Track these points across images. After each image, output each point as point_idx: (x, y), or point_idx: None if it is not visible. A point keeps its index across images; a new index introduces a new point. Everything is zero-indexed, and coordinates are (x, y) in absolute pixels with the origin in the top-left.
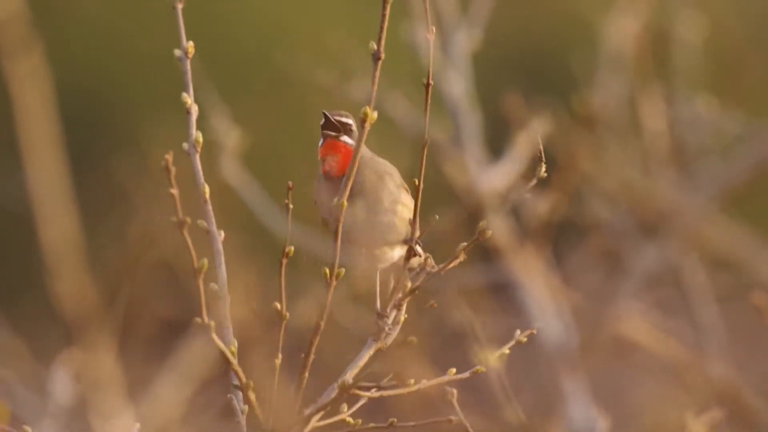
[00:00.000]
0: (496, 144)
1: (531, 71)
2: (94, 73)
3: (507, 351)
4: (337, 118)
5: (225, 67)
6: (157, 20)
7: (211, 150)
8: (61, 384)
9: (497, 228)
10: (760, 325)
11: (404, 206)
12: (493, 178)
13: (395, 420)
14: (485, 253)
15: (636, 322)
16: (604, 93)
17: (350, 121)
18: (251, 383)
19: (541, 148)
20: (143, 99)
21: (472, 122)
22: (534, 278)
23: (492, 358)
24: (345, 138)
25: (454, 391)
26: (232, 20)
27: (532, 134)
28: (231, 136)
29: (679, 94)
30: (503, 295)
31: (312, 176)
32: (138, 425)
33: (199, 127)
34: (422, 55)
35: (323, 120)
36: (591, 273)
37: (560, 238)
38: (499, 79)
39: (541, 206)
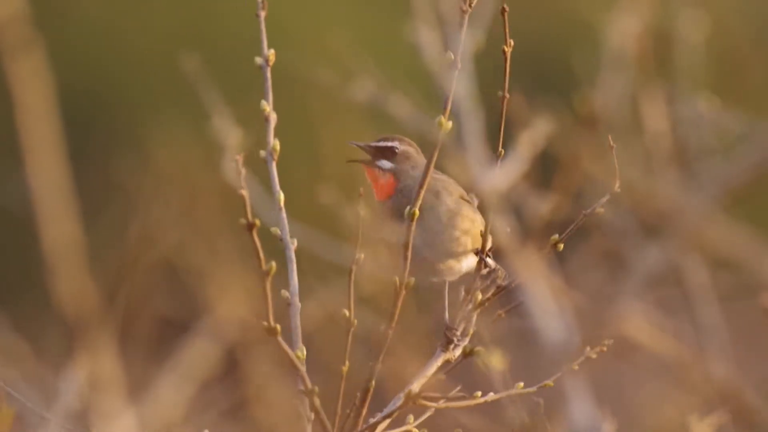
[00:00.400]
0: (498, 144)
1: (533, 71)
2: (94, 74)
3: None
4: (374, 144)
5: (225, 67)
6: (158, 20)
7: (211, 150)
8: (68, 385)
9: (498, 228)
10: (762, 325)
11: (464, 218)
12: (495, 178)
13: (461, 431)
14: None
15: (638, 322)
16: (606, 93)
17: (392, 144)
18: (316, 389)
19: (542, 148)
20: (144, 99)
21: (473, 122)
22: (536, 278)
23: (494, 360)
24: (381, 162)
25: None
26: (232, 19)
27: (535, 134)
28: (233, 137)
29: (681, 93)
30: (504, 296)
31: (312, 175)
32: (139, 426)
33: (200, 128)
34: (425, 54)
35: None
36: (593, 273)
37: (562, 239)
38: (501, 79)
39: (543, 206)
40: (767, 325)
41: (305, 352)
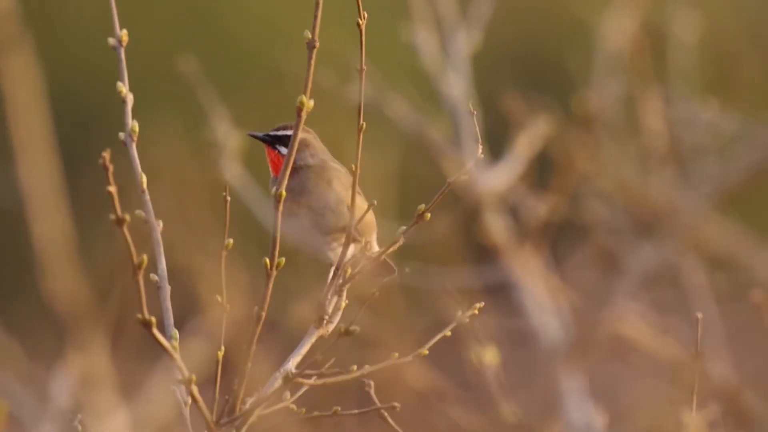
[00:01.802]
0: (495, 144)
1: (529, 72)
2: (87, 72)
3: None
4: (272, 133)
5: (223, 67)
6: (152, 19)
7: (210, 150)
8: (60, 385)
9: (496, 228)
10: (757, 324)
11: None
12: (492, 179)
13: (339, 408)
14: (484, 253)
15: (634, 322)
16: (602, 93)
17: (287, 133)
18: (194, 377)
19: (538, 148)
20: (137, 98)
21: (471, 123)
22: (532, 278)
23: (489, 357)
24: (280, 148)
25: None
26: (229, 19)
27: (532, 134)
28: (229, 136)
29: (677, 93)
30: (501, 295)
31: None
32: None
33: (198, 128)
34: (422, 55)
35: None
36: (589, 272)
37: (558, 238)
38: (498, 79)
39: (539, 206)
40: (762, 323)
41: (179, 338)
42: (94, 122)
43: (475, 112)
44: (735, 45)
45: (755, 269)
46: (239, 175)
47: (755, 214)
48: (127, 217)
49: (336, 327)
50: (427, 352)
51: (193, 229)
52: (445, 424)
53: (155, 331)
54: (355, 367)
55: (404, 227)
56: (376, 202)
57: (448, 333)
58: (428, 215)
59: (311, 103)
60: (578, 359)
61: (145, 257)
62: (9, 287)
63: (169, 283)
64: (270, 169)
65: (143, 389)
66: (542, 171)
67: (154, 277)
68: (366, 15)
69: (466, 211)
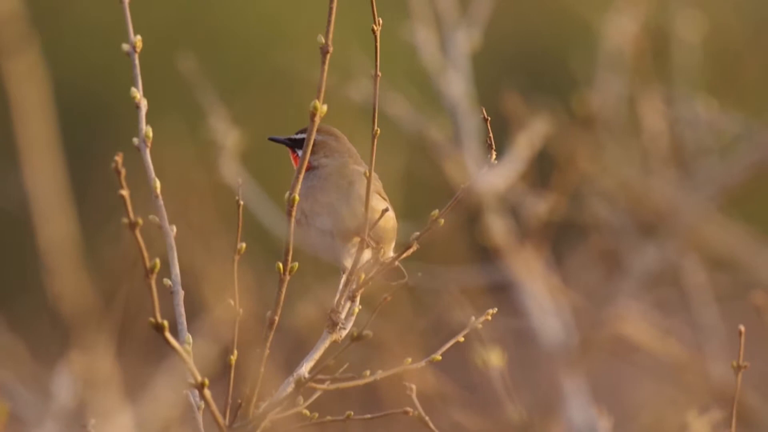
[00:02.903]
0: (496, 144)
1: (530, 71)
2: (93, 73)
3: (439, 354)
4: (292, 137)
5: (223, 67)
6: (157, 19)
7: (210, 150)
8: (64, 385)
9: (497, 228)
10: (759, 324)
11: (374, 209)
12: (492, 178)
13: (352, 413)
14: (485, 253)
15: (635, 322)
16: (603, 93)
17: (305, 135)
18: (206, 381)
19: (539, 147)
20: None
21: (471, 122)
22: (533, 278)
23: (492, 358)
24: (299, 151)
25: (413, 386)
26: (230, 19)
27: (532, 134)
28: (230, 136)
29: (678, 93)
30: (503, 295)
31: None
32: (135, 426)
33: (197, 127)
34: (422, 54)
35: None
36: (590, 273)
37: (560, 238)
38: (499, 79)
39: (540, 206)
40: (764, 324)
41: (192, 342)
42: (98, 124)
43: (488, 119)
44: (737, 45)
45: (757, 269)
46: (240, 174)
47: (757, 214)
48: (140, 220)
49: (349, 331)
50: (440, 357)
51: (196, 231)
52: (449, 425)
53: (168, 334)
54: (368, 372)
55: (417, 233)
56: (390, 209)
57: (461, 339)
58: (442, 221)
59: (324, 107)
60: (580, 359)
61: (158, 261)
62: (14, 288)
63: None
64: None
65: (148, 390)
66: (543, 170)
67: (167, 281)
68: (381, 21)
69: (467, 211)
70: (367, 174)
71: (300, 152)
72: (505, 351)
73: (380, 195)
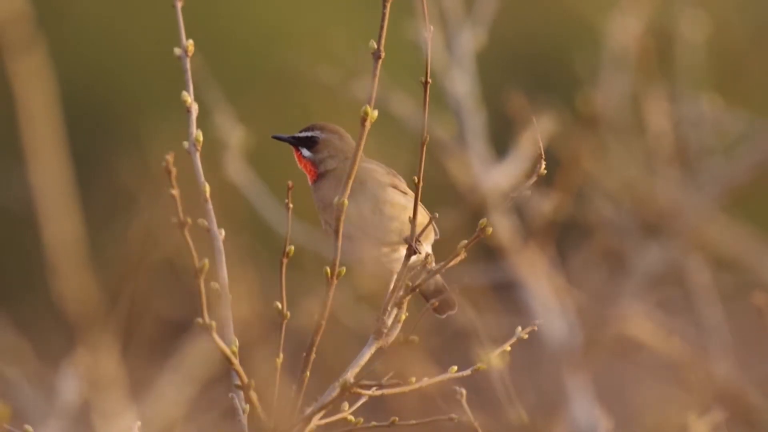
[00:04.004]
0: (500, 143)
1: (534, 70)
2: (96, 73)
3: (509, 348)
4: (296, 135)
5: (227, 66)
6: (159, 20)
7: (214, 149)
8: (68, 384)
9: (501, 227)
10: (763, 324)
11: (394, 205)
12: (497, 177)
13: (397, 419)
14: (489, 253)
15: (639, 322)
16: (608, 92)
17: (309, 134)
18: (252, 383)
19: (543, 147)
20: (146, 99)
21: (476, 121)
22: (537, 277)
23: (495, 358)
24: (302, 150)
25: (463, 390)
26: (234, 19)
27: (537, 133)
28: (234, 135)
29: (682, 93)
30: (507, 295)
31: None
32: (140, 425)
33: (202, 126)
34: (426, 53)
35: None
36: (594, 272)
37: (563, 238)
38: (503, 78)
39: (544, 205)
40: (767, 324)
41: (238, 345)
42: (100, 123)
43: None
44: (740, 45)
45: (761, 269)
46: (244, 172)
47: (761, 214)
48: (189, 220)
49: (396, 337)
50: (485, 366)
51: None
52: (452, 425)
53: (215, 335)
54: (413, 379)
55: (465, 241)
56: (423, 209)
57: (508, 348)
58: (490, 230)
59: (375, 113)
60: (584, 359)
61: (206, 262)
62: (19, 287)
63: (174, 284)
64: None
65: (152, 390)
66: (547, 170)
67: (215, 284)
68: (433, 28)
69: (471, 210)
70: (375, 170)
71: (304, 150)
72: (509, 351)
73: (398, 188)
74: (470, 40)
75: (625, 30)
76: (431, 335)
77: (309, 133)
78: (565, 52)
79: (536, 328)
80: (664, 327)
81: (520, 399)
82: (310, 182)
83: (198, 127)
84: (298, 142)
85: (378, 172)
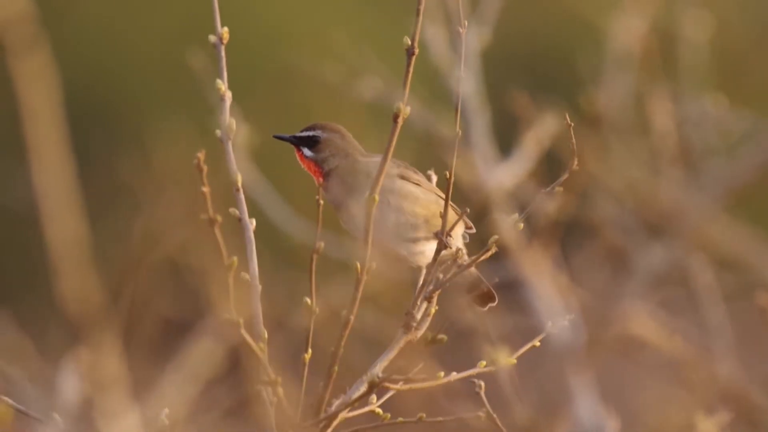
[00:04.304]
0: (505, 142)
1: (538, 70)
2: (98, 73)
3: (515, 355)
4: (297, 134)
5: (231, 65)
6: (160, 20)
7: (215, 148)
8: (69, 382)
9: (505, 226)
10: (765, 324)
11: (413, 201)
12: (501, 176)
13: (424, 415)
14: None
15: (642, 321)
16: (611, 92)
17: (310, 133)
18: (279, 379)
19: (547, 147)
20: (148, 98)
21: (480, 120)
22: (541, 277)
23: (501, 357)
24: (304, 150)
25: (482, 383)
26: (237, 18)
27: (541, 132)
28: (240, 134)
29: (686, 93)
30: (511, 294)
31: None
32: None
33: (207, 124)
34: (432, 52)
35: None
36: (597, 272)
37: (567, 237)
38: (507, 77)
39: (548, 205)
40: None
41: (267, 337)
42: (102, 122)
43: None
44: (744, 44)
45: (763, 269)
46: (249, 171)
47: (763, 214)
48: (219, 217)
49: (423, 334)
50: (515, 360)
51: (204, 228)
52: (456, 424)
53: (243, 331)
54: (441, 374)
55: (496, 236)
56: (468, 210)
57: (537, 343)
58: (521, 225)
59: (408, 109)
60: (587, 359)
61: (235, 259)
62: (21, 286)
63: (177, 283)
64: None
65: (154, 389)
66: (551, 169)
67: (245, 275)
68: (467, 23)
69: (475, 209)
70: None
71: (305, 150)
72: (513, 350)
73: (409, 179)
74: (475, 39)
75: (628, 30)
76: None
77: (310, 133)
78: (568, 51)
79: (545, 333)
80: (666, 326)
81: (523, 398)
82: (317, 184)
83: (202, 125)
84: (299, 142)
85: (391, 166)
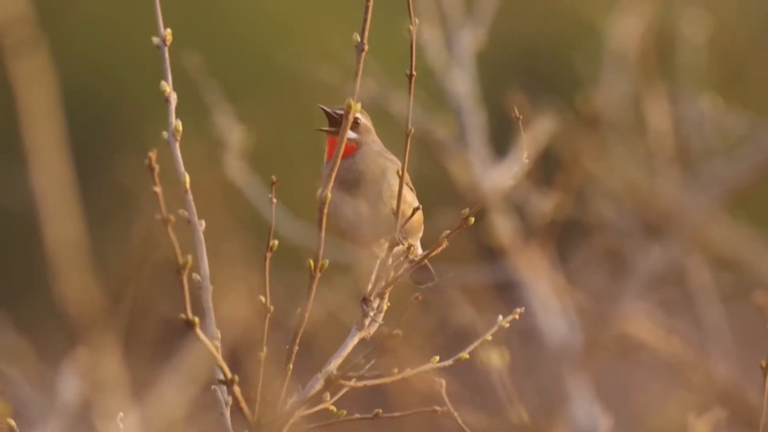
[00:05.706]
0: (500, 143)
1: (535, 70)
2: (97, 73)
3: (490, 338)
4: (338, 111)
5: (228, 66)
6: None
7: (216, 148)
8: (68, 384)
9: (501, 227)
10: (763, 324)
11: (403, 201)
12: (497, 177)
13: (380, 411)
14: (489, 252)
15: (640, 322)
16: (608, 92)
17: (356, 115)
18: (236, 378)
19: (543, 147)
20: (146, 99)
21: (476, 120)
22: (538, 277)
23: (495, 357)
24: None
25: (443, 381)
26: (235, 18)
27: (537, 133)
28: (235, 135)
29: (684, 93)
30: (507, 294)
31: (314, 174)
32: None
33: (202, 126)
34: (427, 53)
35: (326, 116)
36: (595, 272)
37: (564, 238)
38: (504, 77)
39: (545, 205)
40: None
41: (220, 337)
42: (101, 123)
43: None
44: (742, 45)
45: (761, 269)
46: (244, 172)
47: (762, 214)
48: (172, 217)
49: (378, 329)
50: (467, 356)
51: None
52: (452, 425)
53: (198, 331)
54: (396, 370)
55: (447, 231)
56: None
57: (488, 337)
58: (472, 219)
59: (358, 105)
60: (584, 359)
61: (189, 258)
62: (20, 287)
63: (176, 284)
64: (327, 152)
65: (154, 390)
66: (547, 170)
67: (196, 276)
68: (417, 21)
69: (471, 210)
70: (399, 169)
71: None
72: (510, 351)
73: (408, 185)
74: (470, 39)
75: (626, 29)
76: (432, 334)
77: (357, 115)
78: (565, 51)
79: (517, 317)
80: (664, 327)
81: (520, 399)
82: (330, 156)
83: (198, 126)
84: (333, 122)
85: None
